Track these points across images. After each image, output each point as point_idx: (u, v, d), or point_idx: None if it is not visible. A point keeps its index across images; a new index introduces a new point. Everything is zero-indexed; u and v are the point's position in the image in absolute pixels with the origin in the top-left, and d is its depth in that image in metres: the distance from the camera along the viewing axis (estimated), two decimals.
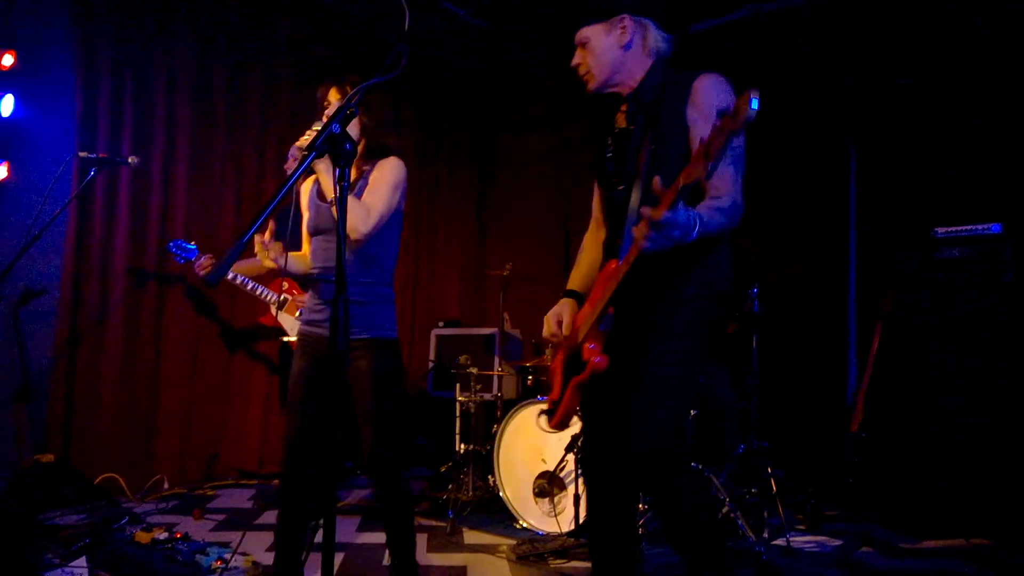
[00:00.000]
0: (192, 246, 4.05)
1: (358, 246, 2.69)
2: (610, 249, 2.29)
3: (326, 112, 2.76)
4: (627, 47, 2.21)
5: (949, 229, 4.14)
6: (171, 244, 4.10)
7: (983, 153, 4.40)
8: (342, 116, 1.56)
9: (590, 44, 2.24)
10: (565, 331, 2.29)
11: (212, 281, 1.37)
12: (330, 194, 2.60)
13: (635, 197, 2.13)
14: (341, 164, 1.55)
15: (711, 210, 1.91)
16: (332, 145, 1.52)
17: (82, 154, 3.70)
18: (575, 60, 2.30)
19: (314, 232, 2.82)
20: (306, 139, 2.51)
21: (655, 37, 2.22)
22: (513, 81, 6.39)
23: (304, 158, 1.51)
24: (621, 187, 2.21)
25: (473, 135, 6.91)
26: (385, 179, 2.70)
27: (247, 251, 4.38)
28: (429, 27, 5.37)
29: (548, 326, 2.34)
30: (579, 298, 2.37)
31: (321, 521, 1.47)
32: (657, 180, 1.75)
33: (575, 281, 2.50)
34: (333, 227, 2.72)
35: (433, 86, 6.36)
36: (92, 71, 4.44)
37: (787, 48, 5.05)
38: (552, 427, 2.35)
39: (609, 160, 2.30)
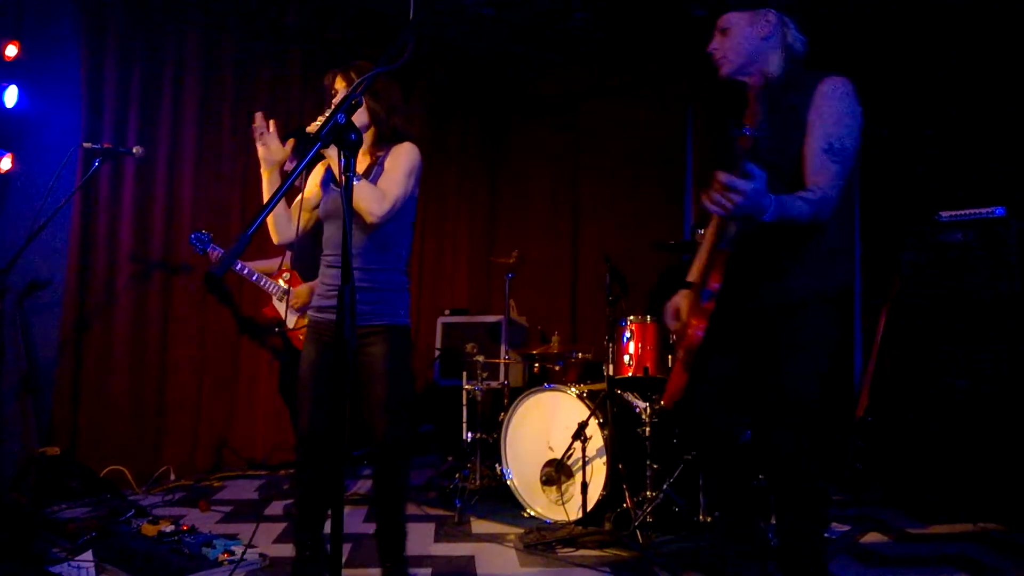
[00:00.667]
0: (207, 236, 4.12)
1: (373, 230, 2.67)
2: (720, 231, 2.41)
3: (333, 100, 2.74)
4: (766, 39, 2.37)
5: (953, 213, 4.12)
6: (192, 236, 4.15)
7: (987, 137, 4.38)
8: (347, 106, 1.54)
9: (732, 31, 2.39)
10: (682, 317, 2.55)
11: (217, 274, 1.35)
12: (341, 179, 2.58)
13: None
14: (346, 154, 1.52)
15: (795, 198, 2.11)
16: (337, 135, 1.50)
17: (86, 145, 3.68)
18: (713, 44, 2.44)
19: (326, 217, 2.80)
20: (316, 126, 2.48)
21: (793, 36, 2.39)
22: (524, 67, 6.34)
23: (309, 148, 1.48)
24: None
25: (483, 121, 6.87)
26: (400, 164, 2.68)
27: (274, 252, 4.39)
28: (438, 12, 5.33)
29: (666, 317, 2.63)
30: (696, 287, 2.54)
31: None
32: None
33: (693, 272, 2.70)
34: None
35: (443, 71, 6.32)
36: (98, 62, 4.41)
37: None
38: (664, 403, 2.59)
39: (732, 149, 2.37)
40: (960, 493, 3.89)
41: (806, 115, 2.24)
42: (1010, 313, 3.89)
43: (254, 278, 4.17)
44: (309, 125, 2.52)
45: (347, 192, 1.51)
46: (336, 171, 2.63)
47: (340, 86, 2.73)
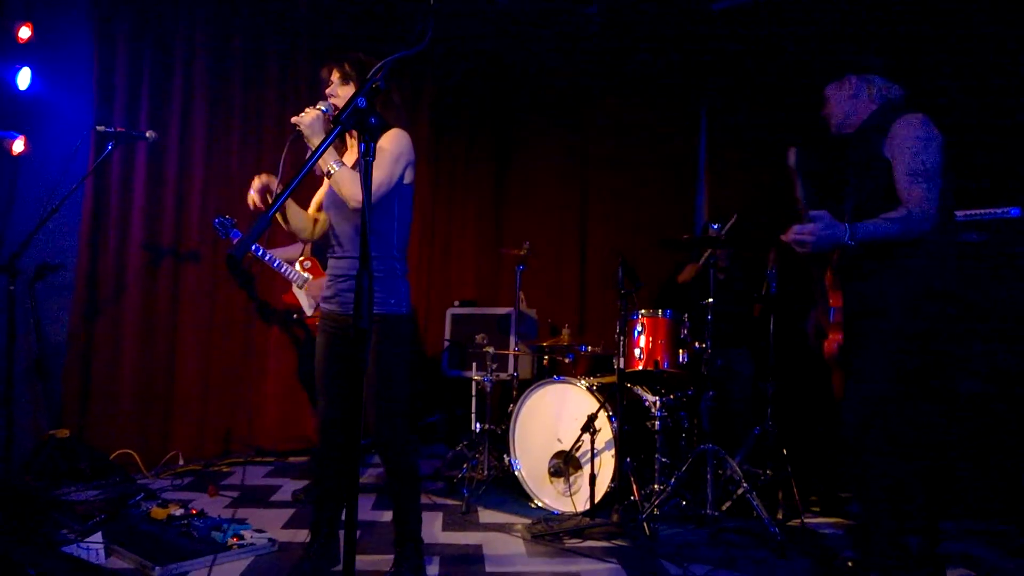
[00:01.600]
0: (231, 220, 4.10)
1: (356, 218, 2.67)
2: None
3: (327, 91, 2.74)
4: (855, 96, 2.88)
5: (967, 212, 4.08)
6: (216, 220, 4.11)
7: (1002, 136, 4.34)
8: (368, 89, 1.53)
9: (830, 99, 2.96)
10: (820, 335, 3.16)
11: (237, 256, 1.35)
12: (325, 166, 2.58)
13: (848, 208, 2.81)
14: (366, 138, 1.52)
15: (880, 219, 2.55)
16: (358, 119, 1.49)
17: (99, 128, 3.68)
18: (824, 111, 3.00)
19: (327, 207, 2.83)
20: (305, 115, 2.49)
21: (879, 86, 2.84)
22: (534, 61, 6.31)
23: (330, 131, 1.48)
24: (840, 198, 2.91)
25: (492, 115, 6.84)
26: (385, 151, 2.66)
27: (290, 239, 4.40)
28: (449, 7, 5.31)
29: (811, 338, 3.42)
30: None
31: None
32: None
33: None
34: (338, 204, 2.70)
35: (451, 65, 6.30)
36: (109, 45, 4.42)
37: (807, 28, 4.96)
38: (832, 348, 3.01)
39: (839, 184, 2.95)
40: (969, 493, 3.87)
41: (883, 151, 2.65)
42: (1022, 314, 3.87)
43: (275, 264, 4.16)
44: (293, 117, 2.57)
45: (366, 176, 1.50)
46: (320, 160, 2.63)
47: (334, 78, 2.73)
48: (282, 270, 4.18)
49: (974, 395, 3.94)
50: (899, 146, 2.61)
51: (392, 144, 2.67)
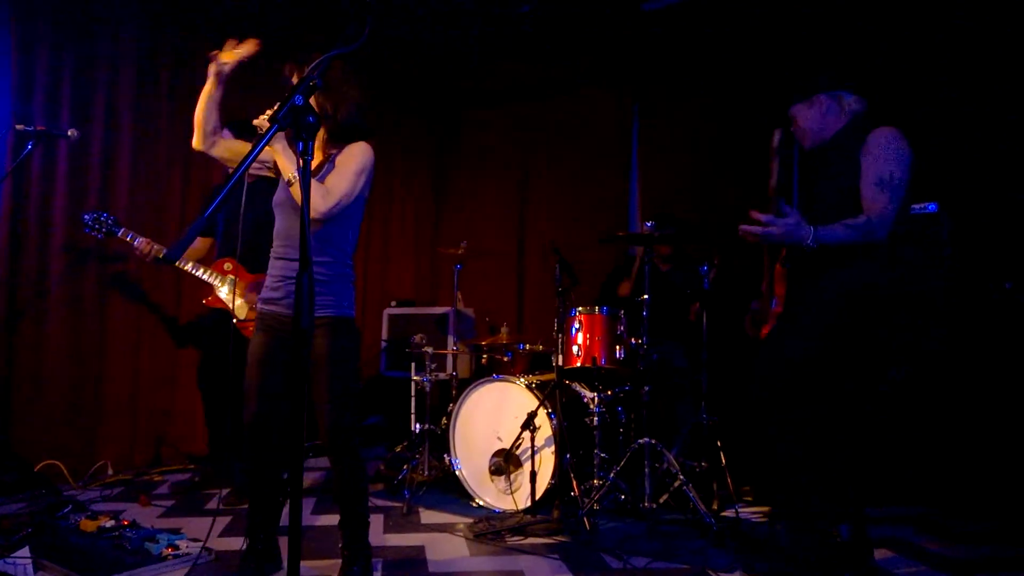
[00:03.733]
0: (112, 218, 3.99)
1: (316, 226, 2.66)
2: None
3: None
4: (826, 113, 2.97)
5: None
6: (88, 216, 3.97)
7: (921, 133, 4.51)
8: (304, 87, 1.52)
9: (799, 118, 3.03)
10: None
11: (172, 257, 1.32)
12: (286, 174, 2.56)
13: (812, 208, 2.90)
14: (304, 137, 1.51)
15: (841, 225, 2.67)
16: (295, 117, 1.48)
17: (19, 127, 3.53)
18: (793, 128, 3.07)
19: (275, 207, 2.80)
20: (264, 117, 2.46)
21: (848, 102, 2.95)
22: (471, 58, 6.32)
23: (266, 131, 1.46)
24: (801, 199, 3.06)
25: (430, 111, 6.83)
26: (350, 163, 2.66)
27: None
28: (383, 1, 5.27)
29: (749, 328, 3.62)
30: None
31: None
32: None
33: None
34: (292, 205, 2.67)
35: (387, 59, 6.25)
36: (28, 46, 4.24)
37: (736, 27, 5.09)
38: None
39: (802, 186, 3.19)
40: (896, 478, 4.03)
41: (859, 158, 2.76)
42: (942, 303, 4.04)
43: (190, 267, 4.02)
44: (255, 119, 2.50)
45: (304, 176, 1.49)
46: (280, 164, 2.59)
47: (295, 79, 2.71)
48: (201, 273, 4.02)
49: (899, 381, 4.11)
50: (872, 154, 2.74)
51: (358, 159, 2.67)
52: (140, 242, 4.01)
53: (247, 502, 3.85)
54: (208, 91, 2.79)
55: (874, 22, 4.60)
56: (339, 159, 2.70)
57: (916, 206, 4.18)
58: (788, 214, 2.64)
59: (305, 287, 1.47)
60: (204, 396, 4.29)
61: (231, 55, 2.77)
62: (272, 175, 2.86)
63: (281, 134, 2.56)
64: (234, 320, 3.90)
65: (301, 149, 1.50)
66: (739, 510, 3.77)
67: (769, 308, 3.20)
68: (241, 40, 2.78)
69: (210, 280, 4.02)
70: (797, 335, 2.85)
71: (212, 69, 2.79)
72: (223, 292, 4.00)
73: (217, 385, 4.20)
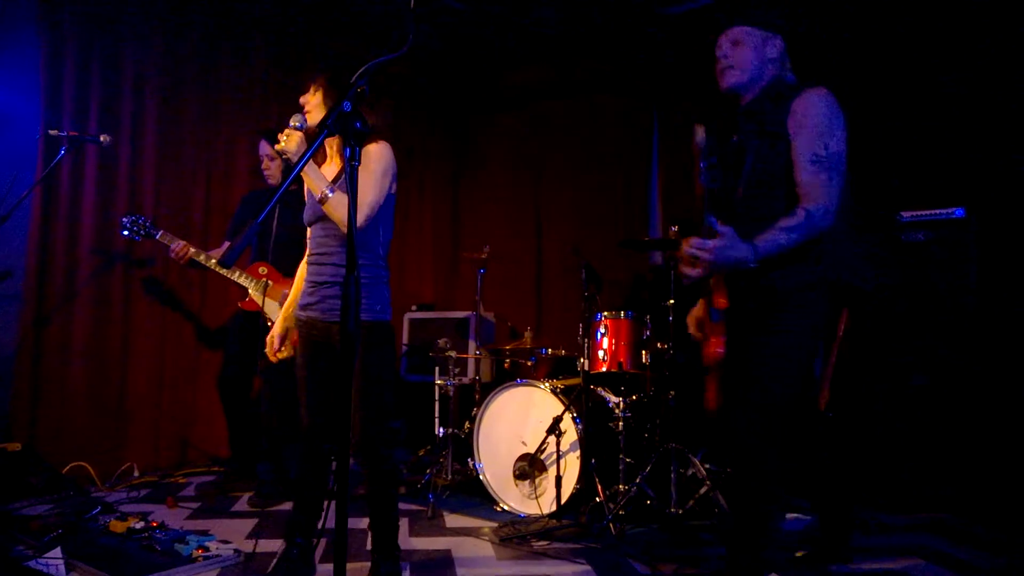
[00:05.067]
0: (148, 221, 4.07)
1: (343, 229, 2.66)
2: None
3: (302, 99, 2.73)
4: (771, 62, 2.44)
5: (914, 213, 4.21)
6: (125, 219, 4.06)
7: (948, 137, 4.49)
8: (352, 93, 1.53)
9: (744, 45, 2.43)
10: (704, 329, 2.60)
11: (228, 263, 1.34)
12: (316, 192, 2.57)
13: (739, 195, 2.41)
14: (351, 143, 1.52)
15: (776, 232, 2.20)
16: (343, 123, 1.49)
17: (51, 132, 3.58)
18: (722, 51, 2.47)
19: (310, 222, 2.81)
20: (289, 141, 2.49)
21: (782, 53, 2.46)
22: (489, 62, 6.33)
23: (316, 137, 1.47)
24: (724, 185, 2.48)
25: (446, 115, 6.85)
26: (372, 167, 2.66)
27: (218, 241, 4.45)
28: (400, 5, 5.29)
29: (690, 326, 2.70)
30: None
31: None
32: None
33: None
34: (323, 215, 2.67)
35: (405, 64, 6.27)
36: (58, 48, 4.29)
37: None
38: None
39: (713, 159, 2.53)
40: (918, 485, 4.00)
41: (786, 129, 2.29)
42: (969, 312, 4.01)
43: (226, 271, 4.10)
44: (278, 135, 2.56)
45: (351, 179, 1.50)
46: (308, 183, 2.63)
47: (313, 89, 2.72)
48: (237, 276, 4.09)
49: (921, 389, 4.07)
50: (801, 124, 2.28)
51: (378, 160, 2.67)
52: (177, 245, 4.08)
53: (271, 504, 3.92)
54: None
55: (901, 15, 4.55)
56: (360, 164, 2.70)
57: (942, 211, 4.15)
58: (722, 233, 2.14)
59: (352, 293, 1.47)
60: (224, 398, 4.33)
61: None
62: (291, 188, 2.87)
63: (304, 147, 2.58)
64: (268, 322, 3.94)
65: (348, 155, 1.51)
66: None
67: (710, 322, 2.53)
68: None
69: (245, 283, 4.08)
70: (781, 376, 2.34)
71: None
72: (258, 295, 4.07)
73: (239, 387, 4.24)
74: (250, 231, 1.33)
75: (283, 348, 2.92)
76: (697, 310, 2.69)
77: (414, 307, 5.96)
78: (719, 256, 2.12)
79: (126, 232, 4.04)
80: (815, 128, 2.25)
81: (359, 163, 1.53)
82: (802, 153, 2.26)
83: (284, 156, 2.54)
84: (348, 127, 1.50)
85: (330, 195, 2.54)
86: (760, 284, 2.35)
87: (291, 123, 2.57)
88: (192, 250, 4.10)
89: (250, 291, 4.09)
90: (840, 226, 2.34)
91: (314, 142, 1.58)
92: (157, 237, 4.06)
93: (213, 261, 4.12)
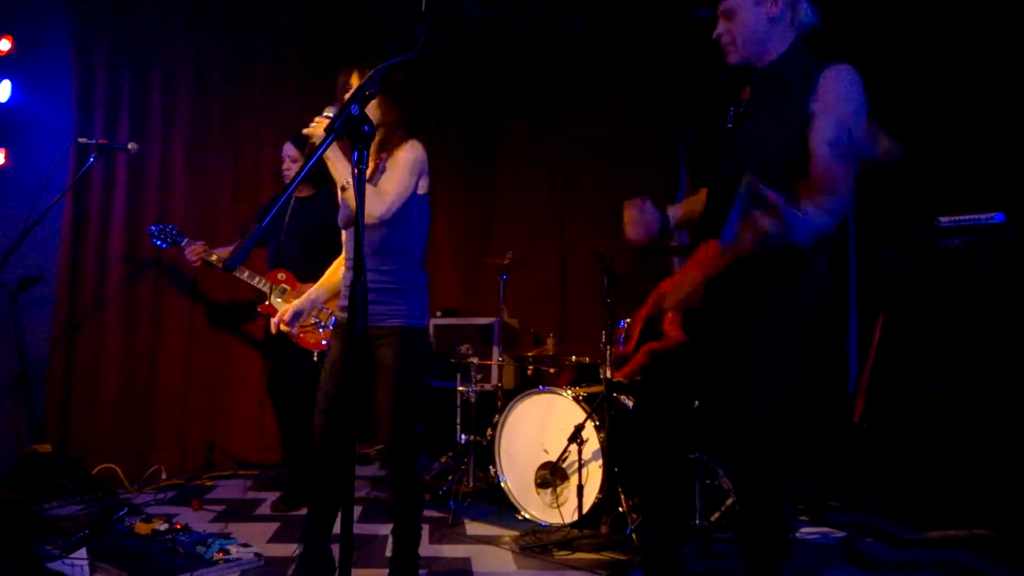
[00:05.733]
0: (176, 229, 4.15)
1: (378, 232, 2.65)
2: (708, 225, 2.27)
3: (346, 96, 2.70)
4: (776, 20, 2.17)
5: (953, 218, 4.12)
6: (153, 227, 4.14)
7: (987, 142, 4.39)
8: (361, 97, 1.53)
9: (738, 14, 2.19)
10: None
11: (231, 266, 1.34)
12: (339, 180, 2.56)
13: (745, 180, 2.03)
14: (360, 146, 1.51)
15: (819, 213, 1.93)
16: (351, 126, 1.49)
17: (81, 140, 3.65)
18: (718, 30, 2.26)
19: (344, 226, 2.80)
20: (316, 126, 2.47)
21: (804, 10, 2.19)
22: (514, 67, 6.33)
23: (323, 140, 1.47)
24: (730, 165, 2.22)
25: (471, 121, 6.86)
26: (400, 162, 2.65)
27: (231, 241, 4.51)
28: (433, 12, 5.31)
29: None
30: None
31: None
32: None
33: (679, 214, 2.61)
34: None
35: (430, 69, 6.30)
36: (89, 60, 4.39)
37: None
38: (621, 376, 2.68)
39: (727, 132, 2.27)
40: (955, 499, 3.89)
41: (807, 105, 2.06)
42: (1010, 319, 3.90)
43: (246, 275, 4.15)
44: (304, 128, 2.52)
45: (359, 184, 1.50)
46: (333, 172, 2.58)
47: (355, 83, 2.68)
48: (255, 280, 4.14)
49: (960, 400, 3.96)
50: (828, 102, 2.04)
51: (406, 155, 2.66)
52: (193, 248, 4.15)
53: (296, 508, 3.93)
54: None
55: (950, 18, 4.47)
56: (389, 162, 2.69)
57: (981, 216, 4.05)
58: (777, 203, 1.88)
59: (360, 295, 1.47)
60: (274, 404, 4.40)
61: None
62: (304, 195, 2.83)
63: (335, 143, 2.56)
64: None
65: (356, 159, 1.50)
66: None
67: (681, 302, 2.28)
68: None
69: (264, 288, 4.12)
70: (786, 356, 2.22)
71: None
72: (277, 300, 4.10)
73: (283, 392, 4.29)
74: (254, 235, 1.33)
75: (295, 328, 2.91)
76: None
77: (439, 312, 5.96)
78: (801, 226, 1.81)
79: (154, 239, 4.13)
80: (840, 112, 2.02)
81: (365, 167, 1.52)
82: (822, 135, 2.02)
83: (310, 141, 2.52)
84: (356, 130, 1.50)
85: (351, 183, 2.52)
86: (749, 284, 2.18)
87: (324, 113, 2.54)
88: (216, 255, 4.18)
89: (270, 297, 4.14)
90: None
91: (327, 136, 1.56)
92: (182, 244, 4.13)
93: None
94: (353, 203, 2.57)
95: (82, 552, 2.84)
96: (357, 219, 1.51)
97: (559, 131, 6.39)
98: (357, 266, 1.51)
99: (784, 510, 2.38)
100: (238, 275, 4.16)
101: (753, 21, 2.18)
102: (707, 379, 2.43)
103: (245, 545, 3.14)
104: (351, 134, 1.50)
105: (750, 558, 2.36)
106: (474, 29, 5.62)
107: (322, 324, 3.83)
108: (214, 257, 4.16)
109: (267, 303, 4.14)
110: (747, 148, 2.16)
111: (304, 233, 4.14)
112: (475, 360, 4.50)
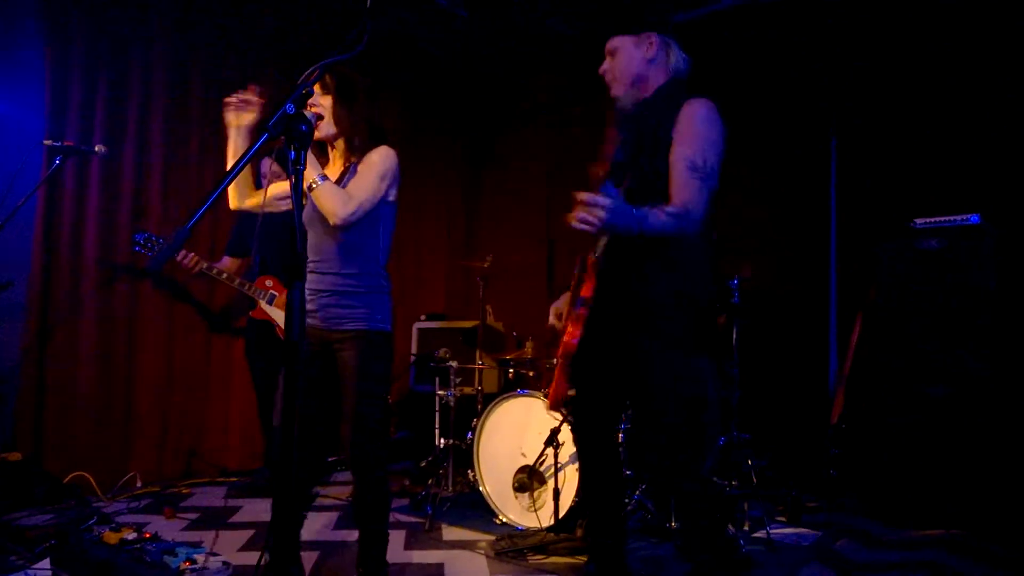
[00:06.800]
0: (160, 239, 4.15)
1: (341, 233, 2.64)
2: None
3: (310, 101, 2.69)
4: (652, 61, 2.50)
5: (928, 220, 4.12)
6: (138, 235, 4.12)
7: (963, 144, 4.39)
8: (297, 96, 1.50)
9: (619, 54, 2.53)
10: (562, 322, 2.72)
11: (153, 268, 1.31)
12: (306, 180, 2.53)
13: (628, 183, 2.41)
14: (295, 146, 1.48)
15: (660, 212, 2.22)
16: (286, 125, 1.46)
17: (47, 142, 3.60)
18: (604, 67, 2.59)
19: (308, 225, 2.77)
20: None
21: (676, 57, 2.51)
22: (502, 71, 6.32)
23: (256, 139, 1.44)
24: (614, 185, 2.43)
25: (461, 126, 6.84)
26: (371, 168, 2.64)
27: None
28: (413, 15, 5.30)
29: (551, 317, 2.87)
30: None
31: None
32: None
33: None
34: (320, 218, 2.64)
35: (419, 77, 6.28)
36: (62, 65, 4.32)
37: (769, 39, 5.01)
38: (548, 409, 2.86)
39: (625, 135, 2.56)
40: (933, 499, 3.88)
41: (671, 134, 2.34)
42: (985, 319, 3.89)
43: (236, 283, 4.21)
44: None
45: (296, 186, 1.46)
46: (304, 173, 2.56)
47: (316, 88, 2.67)
48: (245, 287, 4.19)
49: (937, 400, 3.95)
50: (687, 132, 2.33)
51: (379, 163, 2.65)
52: (188, 258, 4.15)
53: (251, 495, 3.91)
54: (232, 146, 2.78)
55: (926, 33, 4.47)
56: (360, 165, 2.68)
57: (958, 217, 4.04)
58: (612, 195, 2.14)
59: (297, 301, 1.43)
60: (260, 407, 4.44)
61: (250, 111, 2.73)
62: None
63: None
64: (279, 330, 4.04)
65: (293, 158, 1.47)
66: (771, 531, 3.65)
67: (572, 310, 2.55)
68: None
69: (253, 295, 4.21)
70: (679, 372, 2.41)
71: (231, 122, 2.74)
72: (267, 306, 4.15)
73: (268, 395, 4.30)
74: (177, 239, 1.30)
75: None
76: (562, 303, 2.86)
77: (423, 317, 5.93)
78: (613, 213, 2.09)
79: (138, 248, 4.10)
80: (699, 137, 2.32)
81: (304, 168, 1.49)
82: (681, 160, 2.30)
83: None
84: (292, 130, 1.46)
85: (320, 182, 2.52)
86: (630, 290, 2.45)
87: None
88: (203, 263, 4.18)
89: (260, 303, 4.18)
90: (699, 243, 2.42)
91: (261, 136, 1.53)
92: (179, 259, 4.13)
93: (224, 275, 4.22)
94: (320, 203, 2.54)
95: (45, 563, 2.80)
96: (295, 220, 1.48)
97: (550, 136, 6.38)
98: (297, 271, 1.47)
99: (710, 516, 2.50)
100: (225, 281, 4.22)
101: (631, 60, 2.51)
102: (612, 378, 2.64)
103: (213, 554, 3.09)
104: (286, 133, 1.47)
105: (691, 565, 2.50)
106: (462, 33, 5.61)
107: None
108: (214, 271, 4.21)
109: (258, 308, 4.20)
110: (630, 166, 2.46)
111: (287, 243, 4.15)
112: (454, 364, 4.47)
